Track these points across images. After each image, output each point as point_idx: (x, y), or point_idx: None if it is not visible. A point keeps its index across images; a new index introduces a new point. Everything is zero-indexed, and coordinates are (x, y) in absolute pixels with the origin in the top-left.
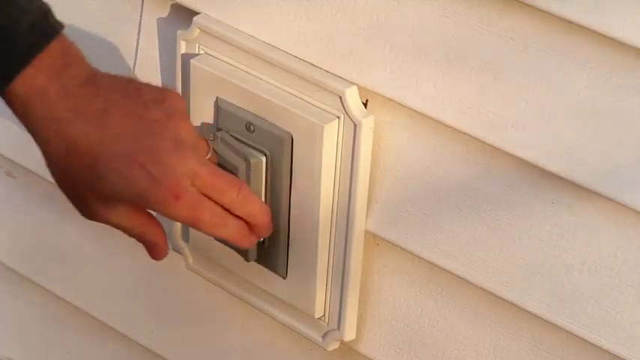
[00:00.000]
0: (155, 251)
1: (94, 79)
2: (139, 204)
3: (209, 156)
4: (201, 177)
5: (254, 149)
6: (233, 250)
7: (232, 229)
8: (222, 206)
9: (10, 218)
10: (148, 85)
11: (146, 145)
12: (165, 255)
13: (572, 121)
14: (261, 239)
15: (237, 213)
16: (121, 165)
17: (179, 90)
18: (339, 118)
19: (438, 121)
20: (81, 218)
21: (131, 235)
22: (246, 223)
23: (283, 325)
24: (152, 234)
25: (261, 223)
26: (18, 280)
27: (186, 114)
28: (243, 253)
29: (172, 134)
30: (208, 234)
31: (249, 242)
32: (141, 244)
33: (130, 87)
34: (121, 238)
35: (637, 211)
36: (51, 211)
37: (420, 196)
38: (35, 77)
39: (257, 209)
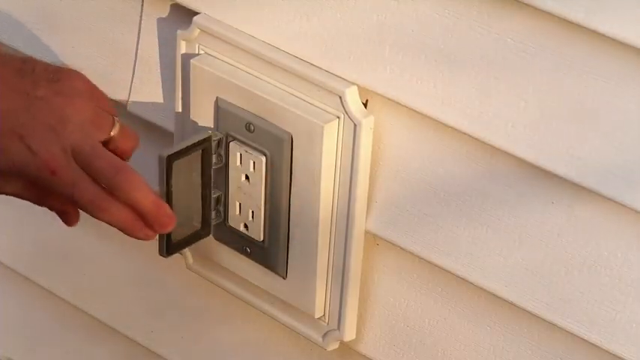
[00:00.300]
0: (65, 219)
1: None
2: (24, 177)
3: (114, 133)
4: (80, 154)
5: (254, 149)
6: (233, 251)
7: (116, 216)
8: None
9: (10, 218)
10: (47, 65)
11: (27, 121)
12: (75, 222)
13: (572, 121)
14: (262, 240)
15: (119, 197)
16: (1, 138)
17: (179, 90)
18: (339, 118)
19: (438, 121)
20: (83, 218)
21: (38, 205)
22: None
23: (283, 325)
24: (57, 203)
25: (148, 212)
26: (18, 280)
27: (80, 93)
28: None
29: (56, 111)
30: (94, 217)
31: (142, 234)
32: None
33: (25, 66)
34: (121, 238)
35: (637, 211)
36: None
37: (420, 196)
38: None
39: (141, 196)
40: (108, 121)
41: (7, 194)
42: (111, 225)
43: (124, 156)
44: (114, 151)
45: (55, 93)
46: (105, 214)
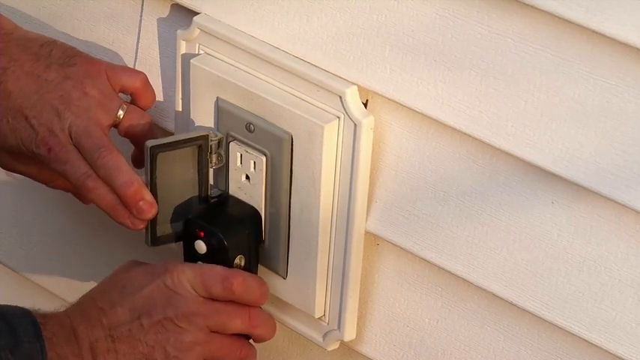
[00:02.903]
0: (80, 199)
1: (7, 39)
2: (29, 155)
3: (121, 115)
4: (74, 134)
5: (254, 149)
6: None
7: (102, 197)
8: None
9: (11, 218)
10: (65, 49)
11: (34, 102)
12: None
13: (572, 121)
14: (262, 240)
15: (100, 177)
16: (11, 118)
17: (179, 90)
18: (339, 118)
19: (438, 121)
20: (82, 218)
21: (49, 186)
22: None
23: (283, 325)
24: (65, 184)
25: (124, 195)
26: (18, 280)
27: (91, 77)
28: None
29: (62, 94)
30: (83, 196)
31: (129, 221)
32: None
33: (42, 50)
34: (122, 239)
35: (637, 211)
36: (52, 211)
37: (420, 196)
38: None
39: (118, 177)
40: (115, 104)
41: (21, 173)
42: (98, 206)
43: (134, 139)
44: (125, 133)
45: (65, 77)
46: (90, 193)
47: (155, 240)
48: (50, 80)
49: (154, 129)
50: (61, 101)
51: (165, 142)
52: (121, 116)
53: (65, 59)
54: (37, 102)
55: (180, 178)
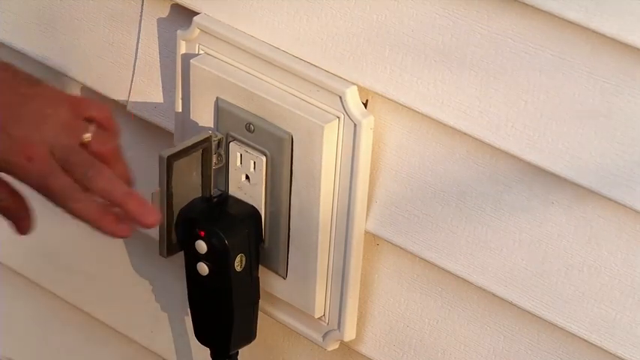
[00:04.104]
0: (18, 226)
1: None
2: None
3: (87, 139)
4: (58, 149)
5: (254, 149)
6: None
7: (87, 207)
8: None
9: None
10: (29, 74)
11: (9, 114)
12: (29, 230)
13: (572, 121)
14: (262, 240)
15: (95, 190)
16: None
17: (179, 90)
18: (339, 118)
19: (438, 121)
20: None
21: None
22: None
23: (283, 325)
24: (15, 208)
25: (128, 205)
26: (18, 280)
27: (58, 98)
28: None
29: (38, 107)
30: (65, 208)
31: (117, 228)
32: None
33: (7, 72)
34: (122, 239)
35: (637, 211)
36: (52, 210)
37: (420, 196)
38: None
39: (115, 190)
40: (81, 127)
41: None
42: (82, 218)
43: (102, 160)
44: (93, 155)
45: (36, 94)
46: (77, 204)
47: (171, 248)
48: (24, 94)
49: (122, 151)
50: (38, 116)
51: (177, 150)
52: (87, 140)
53: (31, 81)
54: (13, 114)
55: (188, 182)
